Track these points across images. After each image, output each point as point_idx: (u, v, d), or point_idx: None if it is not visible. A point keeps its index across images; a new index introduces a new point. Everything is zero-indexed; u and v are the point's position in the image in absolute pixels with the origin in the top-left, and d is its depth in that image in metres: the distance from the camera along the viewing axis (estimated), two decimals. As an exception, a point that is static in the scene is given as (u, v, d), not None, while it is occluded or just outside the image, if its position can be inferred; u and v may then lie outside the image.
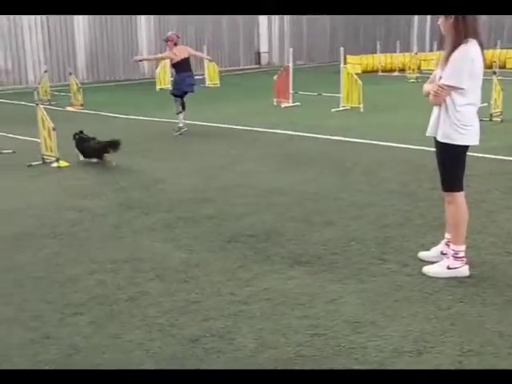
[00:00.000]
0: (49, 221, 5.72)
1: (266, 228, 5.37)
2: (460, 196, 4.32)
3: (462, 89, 4.09)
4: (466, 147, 4.24)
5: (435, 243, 4.82)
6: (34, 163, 8.04)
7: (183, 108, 10.50)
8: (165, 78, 17.94)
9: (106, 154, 7.96)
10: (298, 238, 5.10)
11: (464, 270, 4.28)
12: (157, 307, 3.89)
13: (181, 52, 10.50)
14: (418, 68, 20.61)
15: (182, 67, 10.43)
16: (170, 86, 14.31)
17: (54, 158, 8.02)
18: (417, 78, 18.75)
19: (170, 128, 10.81)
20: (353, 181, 6.96)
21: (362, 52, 25.02)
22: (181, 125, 10.46)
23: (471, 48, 4.06)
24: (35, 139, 8.43)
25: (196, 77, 11.27)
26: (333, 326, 3.61)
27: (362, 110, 12.29)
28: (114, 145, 7.91)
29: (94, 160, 8.06)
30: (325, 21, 28.65)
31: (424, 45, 29.83)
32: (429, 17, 30.84)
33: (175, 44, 10.52)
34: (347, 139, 9.43)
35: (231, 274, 4.40)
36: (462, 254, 4.32)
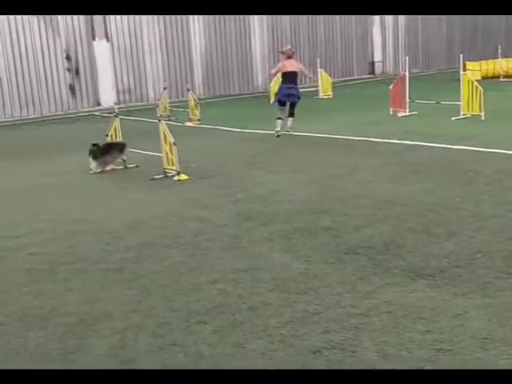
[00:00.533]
0: (171, 231, 5.96)
1: (385, 239, 5.27)
2: None
3: None
4: None
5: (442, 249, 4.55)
6: (156, 177, 8.43)
7: (291, 115, 11.64)
8: (274, 90, 18.17)
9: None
10: (419, 250, 4.97)
11: None
12: (277, 317, 3.94)
13: (290, 65, 11.49)
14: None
15: (285, 78, 11.51)
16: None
17: (175, 172, 8.36)
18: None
19: (287, 140, 10.95)
20: (475, 191, 6.68)
21: (480, 57, 24.03)
22: (278, 128, 11.40)
23: None
24: (157, 154, 8.84)
25: (301, 89, 11.91)
26: (458, 341, 3.48)
27: (483, 117, 11.79)
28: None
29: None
30: (441, 25, 27.82)
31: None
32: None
33: (288, 57, 11.59)
34: (468, 148, 9.07)
35: (350, 285, 4.37)
36: None
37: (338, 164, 8.62)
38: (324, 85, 19.25)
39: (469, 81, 12.37)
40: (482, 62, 22.27)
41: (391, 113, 13.44)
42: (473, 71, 20.31)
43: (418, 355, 3.35)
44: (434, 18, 27.52)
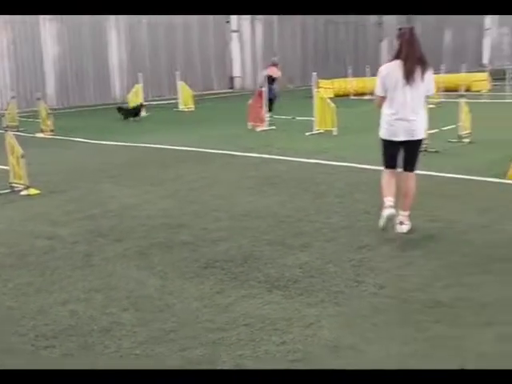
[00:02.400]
0: (17, 249, 5.57)
1: (243, 252, 5.31)
2: None
3: None
4: None
5: (411, 263, 4.85)
6: (1, 192, 7.88)
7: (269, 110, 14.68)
8: (137, 101, 17.88)
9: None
10: (275, 262, 5.05)
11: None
12: (131, 338, 3.79)
13: (271, 71, 15.91)
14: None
15: (268, 81, 14.91)
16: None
17: (22, 186, 7.86)
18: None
19: (141, 153, 10.77)
20: (328, 203, 6.95)
21: (333, 76, 25.34)
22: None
23: None
24: (3, 167, 8.27)
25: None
26: (311, 351, 3.55)
27: (335, 133, 12.37)
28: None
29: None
30: (295, 44, 29.02)
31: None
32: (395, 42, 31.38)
33: (273, 65, 16.36)
34: (321, 162, 9.45)
35: (208, 300, 4.32)
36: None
37: (196, 177, 8.60)
38: (184, 97, 19.25)
39: (321, 98, 12.94)
40: (334, 80, 23.50)
41: (250, 127, 13.71)
42: (326, 89, 21.35)
43: (273, 367, 3.37)
44: (289, 36, 28.64)
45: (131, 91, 18.55)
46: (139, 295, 4.45)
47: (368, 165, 8.98)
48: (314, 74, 13.39)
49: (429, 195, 6.85)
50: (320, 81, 22.52)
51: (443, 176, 8.00)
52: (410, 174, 5.79)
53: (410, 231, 5.64)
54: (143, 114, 16.75)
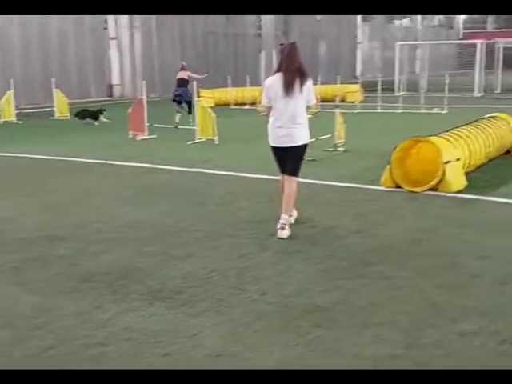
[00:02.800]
0: None
1: (124, 265, 5.20)
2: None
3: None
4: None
5: (292, 269, 4.99)
6: None
7: (177, 112, 15.71)
8: (9, 109, 16.97)
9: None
10: (157, 273, 4.99)
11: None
12: (6, 357, 3.59)
13: (183, 75, 16.25)
14: (268, 101, 21.37)
15: (176, 84, 16.02)
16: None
17: None
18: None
19: (14, 163, 10.25)
20: (210, 212, 6.99)
21: (213, 85, 25.53)
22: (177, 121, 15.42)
23: None
24: None
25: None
26: (195, 361, 3.55)
27: (216, 142, 12.46)
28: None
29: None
30: (175, 55, 28.93)
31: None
32: (274, 53, 32.23)
33: (182, 69, 16.47)
34: (203, 170, 9.48)
35: (87, 315, 4.19)
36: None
37: (74, 188, 8.32)
38: (60, 105, 18.57)
39: (203, 107, 12.99)
40: (215, 90, 23.69)
41: (130, 136, 13.48)
42: (206, 98, 21.46)
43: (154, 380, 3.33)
44: (168, 46, 28.51)
45: (3, 98, 17.62)
46: (14, 313, 4.23)
47: (248, 173, 9.15)
48: (195, 83, 13.43)
49: (307, 202, 7.08)
50: (201, 90, 22.67)
51: (320, 183, 8.31)
52: (291, 178, 6.14)
53: (289, 236, 5.89)
54: (102, 118, 17.03)
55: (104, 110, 17.27)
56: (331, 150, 11.18)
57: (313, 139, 11.55)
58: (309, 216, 6.63)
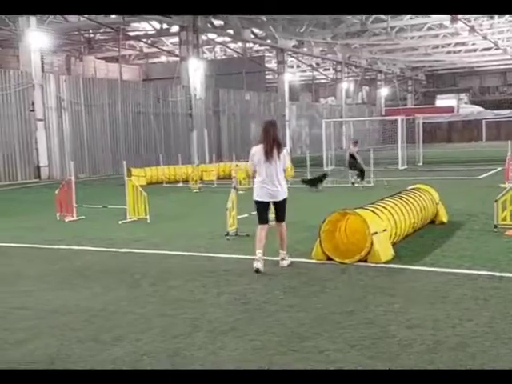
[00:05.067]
0: None
1: (50, 353, 4.97)
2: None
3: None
4: None
5: (224, 348, 4.91)
6: None
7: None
8: None
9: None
10: (86, 360, 4.79)
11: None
12: None
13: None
14: (201, 179, 21.57)
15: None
16: None
17: None
18: (200, 188, 19.58)
19: None
20: (142, 293, 6.84)
21: (145, 164, 25.59)
22: None
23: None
24: None
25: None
26: None
27: (148, 220, 12.36)
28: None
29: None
30: (106, 135, 28.98)
31: (205, 157, 31.49)
32: (206, 131, 32.82)
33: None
34: (135, 250, 9.34)
35: (9, 409, 3.95)
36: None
37: (-2, 274, 7.99)
38: (-15, 189, 18.05)
39: (133, 186, 12.94)
40: (147, 168, 23.73)
41: (58, 218, 13.18)
42: (138, 177, 21.44)
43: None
44: (98, 126, 28.56)
45: None
46: None
47: (181, 251, 9.08)
48: (124, 162, 13.41)
49: (240, 276, 7.07)
50: (132, 169, 22.67)
51: (251, 258, 8.29)
52: (281, 224, 7.96)
53: (289, 265, 7.75)
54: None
55: (326, 176, 18.62)
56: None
57: (246, 214, 11.76)
58: (242, 291, 6.60)
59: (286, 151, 7.92)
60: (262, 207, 7.85)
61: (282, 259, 7.87)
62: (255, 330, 5.38)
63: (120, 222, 12.39)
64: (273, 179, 7.69)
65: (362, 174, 18.70)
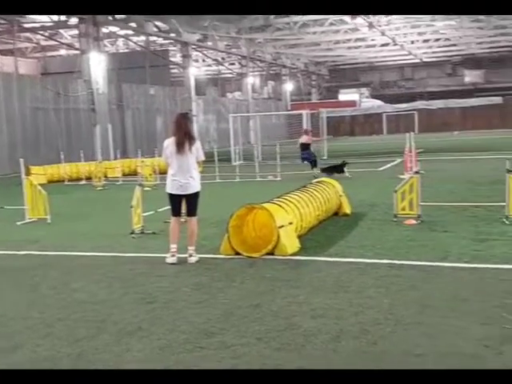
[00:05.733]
0: None
1: None
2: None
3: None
4: None
5: (130, 350, 4.79)
6: None
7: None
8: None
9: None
10: (-20, 370, 4.52)
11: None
12: None
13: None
14: (105, 176, 21.01)
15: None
16: None
17: None
18: (104, 186, 19.07)
19: None
20: (42, 296, 6.56)
21: (45, 162, 24.60)
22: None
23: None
24: None
25: None
26: None
27: (49, 220, 11.88)
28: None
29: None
30: (2, 132, 27.63)
31: (109, 153, 30.69)
32: (110, 127, 32.00)
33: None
34: (34, 252, 8.95)
35: None
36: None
37: None
38: None
39: (32, 185, 12.39)
40: (47, 166, 22.82)
41: (-49, 220, 12.42)
42: (37, 175, 20.61)
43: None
44: None
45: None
46: None
47: (83, 252, 8.80)
48: (21, 160, 12.79)
49: (146, 276, 6.94)
50: (32, 167, 21.74)
51: (160, 256, 8.15)
52: (191, 218, 7.90)
53: (197, 261, 7.68)
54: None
55: (346, 163, 18.56)
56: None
57: (152, 212, 11.57)
58: (148, 290, 6.48)
59: (199, 144, 7.89)
60: (173, 200, 7.83)
61: (190, 255, 7.78)
62: (161, 329, 5.29)
63: (18, 223, 11.83)
64: (184, 172, 7.65)
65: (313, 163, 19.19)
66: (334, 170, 18.33)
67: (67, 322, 5.60)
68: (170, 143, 7.77)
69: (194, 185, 7.78)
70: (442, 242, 8.24)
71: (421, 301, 5.67)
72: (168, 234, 8.03)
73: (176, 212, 7.92)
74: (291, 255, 7.77)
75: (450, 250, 7.70)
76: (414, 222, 9.68)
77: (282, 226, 7.91)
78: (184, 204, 7.95)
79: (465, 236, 8.53)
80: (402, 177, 15.85)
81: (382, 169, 21.08)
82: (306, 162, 19.48)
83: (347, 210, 10.89)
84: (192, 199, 7.83)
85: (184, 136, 7.67)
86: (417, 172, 10.04)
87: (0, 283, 7.20)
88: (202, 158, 8.01)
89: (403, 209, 9.99)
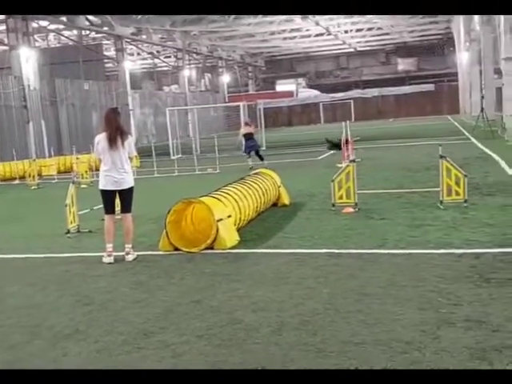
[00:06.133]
0: None
1: None
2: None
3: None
4: None
5: (66, 354, 4.65)
6: None
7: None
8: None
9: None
10: None
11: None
12: None
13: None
14: (39, 174, 20.41)
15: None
16: None
17: None
18: (38, 185, 18.52)
19: None
20: (-27, 303, 6.29)
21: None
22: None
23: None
24: None
25: None
26: None
27: (-20, 223, 11.45)
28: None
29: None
30: None
31: (44, 151, 29.84)
32: (43, 124, 31.10)
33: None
34: (-36, 257, 8.58)
35: None
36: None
37: None
38: None
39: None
40: (-22, 166, 21.97)
41: None
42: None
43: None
44: None
45: None
46: None
47: (17, 254, 8.52)
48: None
49: (82, 276, 6.76)
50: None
51: (96, 255, 7.96)
52: (126, 215, 7.78)
53: (135, 259, 7.58)
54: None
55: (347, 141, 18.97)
56: (107, 219, 10.90)
57: (87, 209, 11.30)
58: (84, 291, 6.32)
59: (131, 139, 7.83)
60: (107, 196, 7.69)
61: (127, 253, 7.67)
62: (99, 330, 5.16)
63: None
64: (117, 167, 7.55)
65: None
66: (336, 146, 21.50)
67: (1, 329, 5.39)
68: (101, 139, 7.64)
69: (129, 180, 7.70)
70: (379, 229, 8.39)
71: (359, 289, 5.74)
72: (104, 233, 7.85)
73: (110, 209, 7.77)
74: (230, 248, 7.74)
75: (387, 237, 7.85)
76: (351, 210, 9.83)
77: (221, 220, 7.87)
78: (118, 200, 7.84)
79: (401, 222, 8.71)
80: (339, 165, 16.07)
81: (320, 158, 21.31)
82: (252, 153, 19.14)
83: (286, 200, 10.94)
84: (127, 195, 7.73)
85: (116, 131, 7.58)
86: (353, 160, 10.18)
87: None
88: (134, 153, 8.02)
89: (340, 197, 10.12)
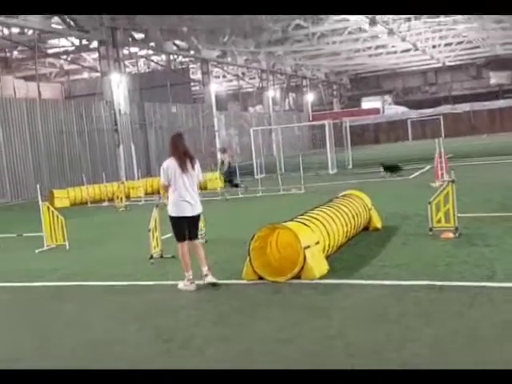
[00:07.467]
0: None
1: None
2: None
3: None
4: None
5: None
6: None
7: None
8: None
9: None
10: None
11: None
12: None
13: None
14: (127, 196, 20.65)
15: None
16: None
17: None
18: (126, 207, 18.67)
19: None
20: (56, 337, 6.06)
21: (70, 185, 24.39)
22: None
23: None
24: None
25: None
26: None
27: (67, 247, 11.45)
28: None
29: None
30: (27, 156, 27.53)
31: (133, 173, 30.44)
32: (133, 147, 31.89)
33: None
34: (49, 283, 8.46)
35: None
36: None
37: None
38: None
39: (49, 210, 11.99)
40: (70, 189, 22.58)
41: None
42: (61, 199, 20.39)
43: None
44: (18, 151, 26.99)
45: None
46: None
47: (99, 281, 8.31)
48: (38, 185, 12.43)
49: (165, 306, 6.40)
50: (55, 191, 21.54)
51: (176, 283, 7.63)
52: (196, 242, 7.58)
53: (215, 283, 7.27)
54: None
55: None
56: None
57: (170, 234, 11.04)
58: (165, 324, 5.95)
59: (198, 163, 7.64)
60: (181, 223, 7.41)
61: (206, 275, 7.38)
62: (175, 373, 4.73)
63: (37, 251, 11.42)
64: (190, 192, 7.41)
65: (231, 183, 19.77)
66: (394, 169, 20.61)
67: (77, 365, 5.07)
68: (170, 164, 7.45)
69: (199, 206, 7.59)
70: (485, 257, 7.54)
71: (469, 331, 5.00)
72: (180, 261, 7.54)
73: (185, 236, 7.48)
74: (319, 278, 7.15)
75: (496, 266, 7.01)
76: (451, 235, 8.99)
77: (308, 247, 7.31)
78: (187, 227, 7.49)
79: (509, 250, 7.82)
80: (433, 185, 15.15)
81: (411, 177, 20.31)
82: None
83: (378, 224, 10.24)
84: (197, 221, 7.63)
85: (184, 156, 7.45)
86: (452, 181, 9.33)
87: (10, 318, 6.72)
88: (201, 178, 7.77)
89: (439, 221, 9.30)
